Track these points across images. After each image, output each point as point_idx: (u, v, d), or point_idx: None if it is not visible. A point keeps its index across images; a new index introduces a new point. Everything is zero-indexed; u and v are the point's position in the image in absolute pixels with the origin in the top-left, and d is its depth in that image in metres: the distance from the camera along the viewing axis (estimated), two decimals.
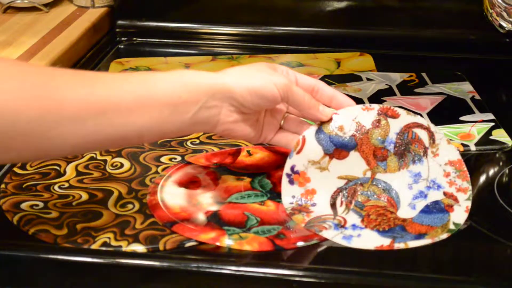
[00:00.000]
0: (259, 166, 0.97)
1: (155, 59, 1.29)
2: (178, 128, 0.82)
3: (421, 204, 0.88)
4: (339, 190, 0.90)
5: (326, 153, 0.91)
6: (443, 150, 0.92)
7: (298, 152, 0.91)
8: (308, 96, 0.89)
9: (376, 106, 0.93)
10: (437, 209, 0.87)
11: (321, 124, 0.92)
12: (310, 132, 0.91)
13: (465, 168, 0.91)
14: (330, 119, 0.92)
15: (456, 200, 0.88)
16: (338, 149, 0.91)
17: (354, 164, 0.91)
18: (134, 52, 1.34)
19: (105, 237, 0.85)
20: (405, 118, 0.93)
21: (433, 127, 0.92)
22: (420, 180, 0.90)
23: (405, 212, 0.87)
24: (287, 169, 0.90)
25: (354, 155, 0.91)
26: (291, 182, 0.90)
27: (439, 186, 0.89)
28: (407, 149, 0.91)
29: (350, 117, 0.92)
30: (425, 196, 0.89)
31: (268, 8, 1.37)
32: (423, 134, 0.92)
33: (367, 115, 0.92)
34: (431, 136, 0.92)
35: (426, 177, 0.90)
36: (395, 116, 0.93)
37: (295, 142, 0.91)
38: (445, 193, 0.89)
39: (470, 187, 0.89)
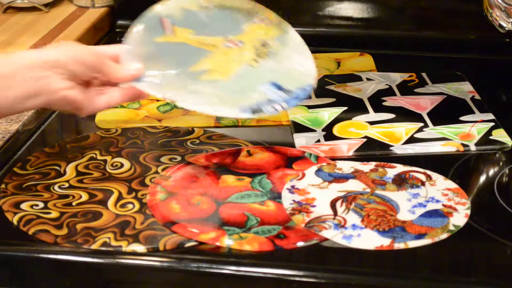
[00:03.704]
0: (259, 166, 0.97)
1: None
2: (10, 105, 0.87)
3: (420, 210, 0.88)
4: (339, 198, 0.90)
5: (325, 181, 0.94)
6: (441, 183, 0.93)
7: (298, 180, 0.94)
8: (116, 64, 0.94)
9: (373, 163, 0.97)
10: (437, 214, 0.87)
11: (322, 166, 0.96)
12: (310, 170, 0.95)
13: (464, 192, 0.91)
14: (332, 165, 0.96)
15: (455, 209, 0.88)
16: (337, 178, 0.94)
17: (354, 186, 0.93)
18: None
19: (105, 237, 0.85)
20: (402, 167, 0.96)
21: (429, 172, 0.95)
22: (419, 197, 0.90)
23: (404, 215, 0.87)
24: (287, 185, 0.92)
25: (353, 181, 0.93)
26: (291, 193, 0.91)
27: (437, 201, 0.90)
28: (405, 181, 0.93)
29: (349, 165, 0.97)
30: (424, 206, 0.89)
31: (268, 8, 1.37)
32: (420, 175, 0.95)
33: (365, 166, 0.96)
34: (428, 175, 0.94)
35: (424, 195, 0.91)
36: (392, 167, 0.96)
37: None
38: (444, 205, 0.89)
39: (469, 203, 0.89)
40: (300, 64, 1.00)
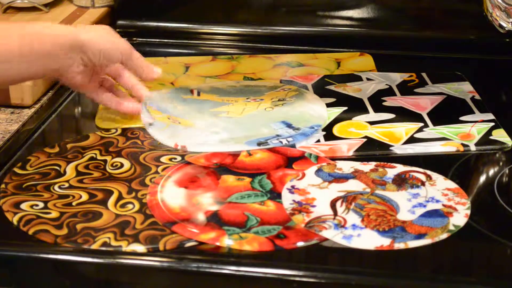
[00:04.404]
0: (259, 166, 0.97)
1: (155, 59, 1.29)
2: (41, 74, 1.01)
3: (420, 210, 0.88)
4: (339, 198, 0.90)
5: (325, 181, 0.93)
6: (441, 183, 0.93)
7: (298, 180, 0.94)
8: (143, 60, 1.05)
9: (373, 163, 0.97)
10: (437, 214, 0.87)
11: (322, 166, 0.96)
12: (310, 170, 0.95)
13: (464, 192, 0.91)
14: (332, 165, 0.96)
15: (455, 209, 0.88)
16: (337, 178, 0.94)
17: (354, 186, 0.93)
18: None
19: (105, 237, 0.85)
20: (402, 167, 0.96)
21: (429, 172, 0.95)
22: (419, 197, 0.90)
23: (404, 215, 0.87)
24: (287, 185, 0.92)
25: (353, 181, 0.93)
26: (291, 193, 0.91)
27: (437, 201, 0.90)
28: (405, 181, 0.93)
29: (349, 165, 0.97)
30: (424, 206, 0.89)
31: (268, 7, 1.37)
32: (420, 175, 0.95)
33: (365, 166, 0.96)
34: (428, 175, 0.94)
35: (424, 195, 0.91)
36: (392, 167, 0.96)
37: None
38: (444, 205, 0.89)
39: (469, 203, 0.89)
40: (313, 110, 1.09)
